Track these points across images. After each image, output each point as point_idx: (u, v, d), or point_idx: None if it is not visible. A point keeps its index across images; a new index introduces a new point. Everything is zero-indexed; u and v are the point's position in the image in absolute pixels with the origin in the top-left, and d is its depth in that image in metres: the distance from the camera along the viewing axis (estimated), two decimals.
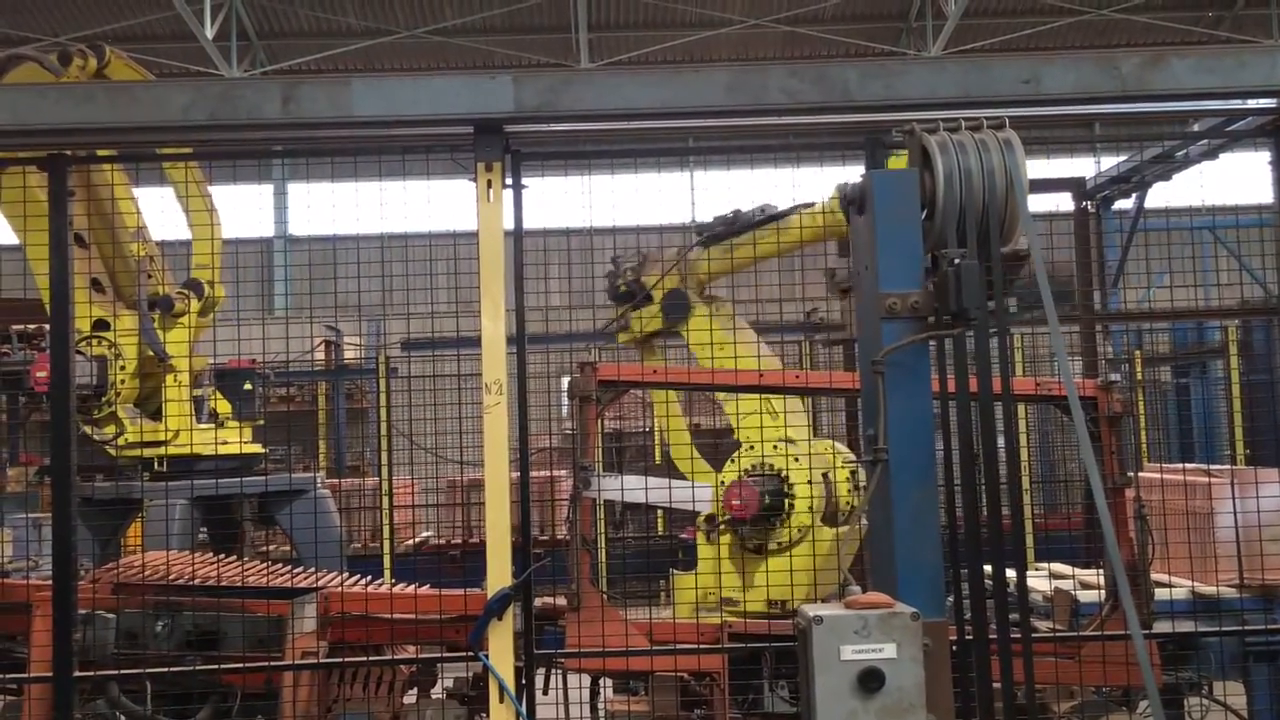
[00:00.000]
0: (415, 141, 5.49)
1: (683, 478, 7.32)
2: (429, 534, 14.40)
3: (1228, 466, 9.77)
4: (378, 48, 20.59)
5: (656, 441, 14.64)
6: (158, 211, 9.76)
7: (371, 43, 20.42)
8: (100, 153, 6.53)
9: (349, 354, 17.99)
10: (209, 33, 18.57)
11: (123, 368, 9.40)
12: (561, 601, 6.09)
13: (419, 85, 5.02)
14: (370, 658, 6.08)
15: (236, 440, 9.93)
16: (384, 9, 20.50)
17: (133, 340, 9.45)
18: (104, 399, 9.41)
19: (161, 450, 9.42)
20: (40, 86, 6.80)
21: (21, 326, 10.84)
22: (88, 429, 9.32)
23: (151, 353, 9.44)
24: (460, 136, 5.11)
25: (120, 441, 9.41)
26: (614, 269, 7.98)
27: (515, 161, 5.18)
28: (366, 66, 21.11)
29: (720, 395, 7.62)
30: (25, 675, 5.86)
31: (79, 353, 8.88)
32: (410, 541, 13.82)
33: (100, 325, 9.43)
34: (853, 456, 7.18)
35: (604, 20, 21.07)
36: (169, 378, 9.51)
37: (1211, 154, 12.44)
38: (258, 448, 10.31)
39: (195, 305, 9.62)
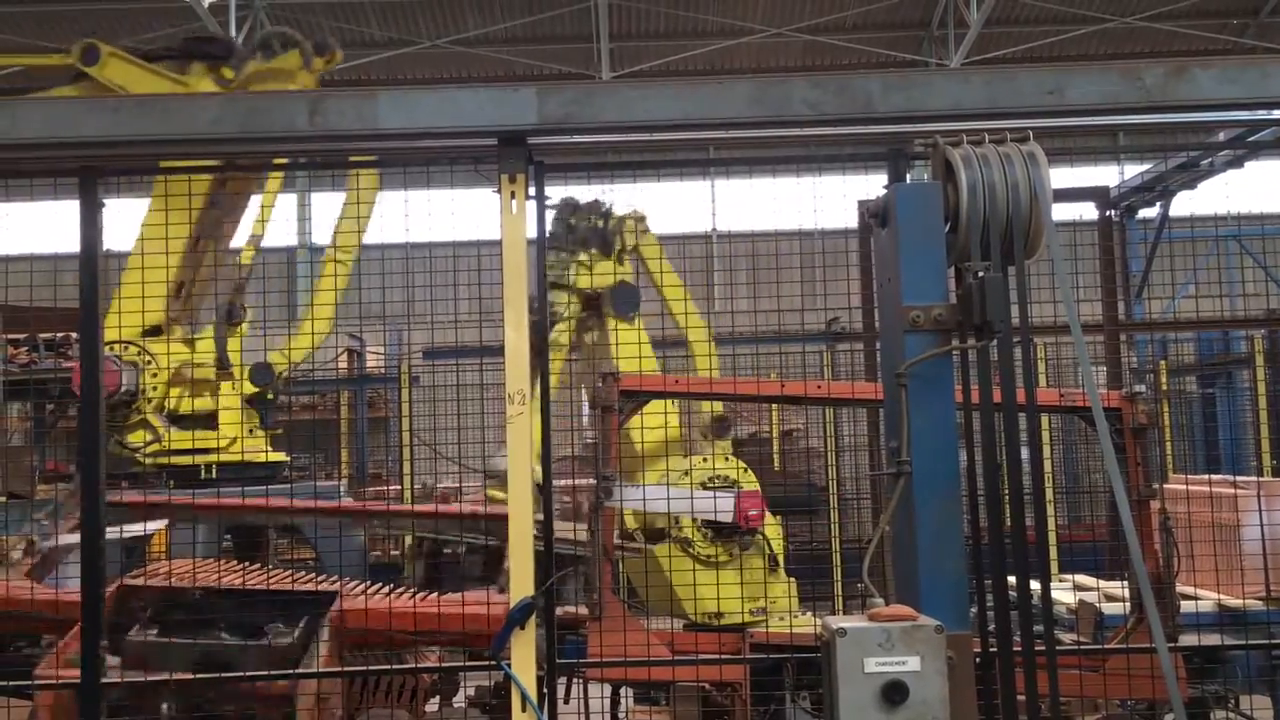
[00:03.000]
0: (440, 153, 5.51)
1: None
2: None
3: (1254, 478, 9.69)
4: (400, 58, 20.70)
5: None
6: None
7: (394, 53, 20.54)
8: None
9: (371, 362, 18.07)
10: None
11: (154, 375, 9.49)
12: (583, 611, 6.10)
13: (444, 98, 5.02)
14: (393, 666, 6.10)
15: (262, 449, 10.00)
16: (407, 20, 20.62)
17: (165, 350, 9.55)
18: (134, 405, 9.50)
19: (187, 459, 9.49)
20: (70, 99, 6.87)
21: (50, 335, 10.95)
22: (113, 437, 9.41)
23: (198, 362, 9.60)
24: (484, 148, 5.13)
25: (151, 449, 9.50)
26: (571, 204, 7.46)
27: (538, 172, 5.19)
28: (389, 76, 21.23)
29: None
30: (52, 682, 5.91)
31: (114, 360, 8.99)
32: None
33: (153, 331, 9.56)
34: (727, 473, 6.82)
35: (625, 30, 21.11)
36: (225, 385, 9.63)
37: (1237, 163, 12.39)
38: (281, 456, 10.37)
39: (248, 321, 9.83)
